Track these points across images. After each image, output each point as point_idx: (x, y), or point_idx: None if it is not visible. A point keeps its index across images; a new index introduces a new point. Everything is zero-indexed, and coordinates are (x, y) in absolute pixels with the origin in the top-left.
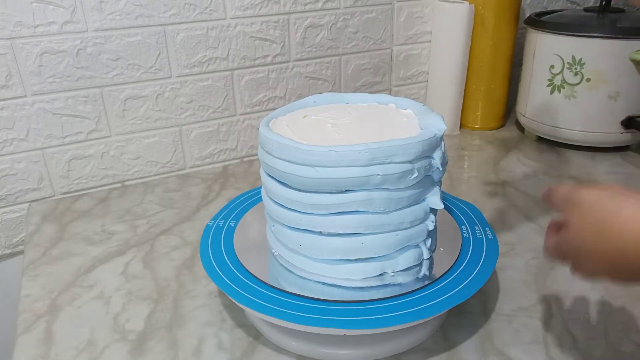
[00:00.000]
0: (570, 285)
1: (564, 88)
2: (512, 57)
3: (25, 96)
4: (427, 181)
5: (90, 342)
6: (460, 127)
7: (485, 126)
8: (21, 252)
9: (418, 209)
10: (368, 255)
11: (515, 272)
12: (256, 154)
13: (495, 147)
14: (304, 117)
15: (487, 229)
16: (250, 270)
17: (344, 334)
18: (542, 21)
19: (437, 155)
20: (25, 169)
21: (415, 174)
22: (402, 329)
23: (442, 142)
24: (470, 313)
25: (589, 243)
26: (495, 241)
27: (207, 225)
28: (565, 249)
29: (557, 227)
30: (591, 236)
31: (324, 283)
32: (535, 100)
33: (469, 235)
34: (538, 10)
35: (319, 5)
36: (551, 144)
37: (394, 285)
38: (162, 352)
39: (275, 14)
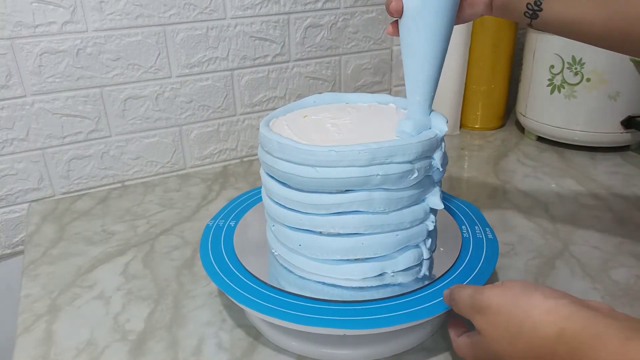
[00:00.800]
0: (570, 285)
1: (564, 88)
2: (512, 57)
3: (25, 96)
4: (427, 181)
5: (90, 342)
6: (460, 127)
7: (485, 126)
8: (21, 252)
9: (418, 209)
10: (368, 255)
11: (515, 272)
12: (256, 154)
13: (495, 147)
14: (304, 117)
15: (487, 229)
16: (250, 270)
17: (344, 334)
18: None
19: (437, 156)
20: (25, 169)
21: (416, 174)
22: (402, 329)
23: (443, 143)
24: None
25: (507, 349)
26: (495, 241)
27: (207, 225)
28: (481, 356)
29: (460, 326)
30: (507, 344)
31: (324, 283)
32: (535, 100)
33: (469, 235)
34: None
35: (319, 5)
36: (551, 144)
37: (394, 285)
38: (162, 352)
39: (275, 14)
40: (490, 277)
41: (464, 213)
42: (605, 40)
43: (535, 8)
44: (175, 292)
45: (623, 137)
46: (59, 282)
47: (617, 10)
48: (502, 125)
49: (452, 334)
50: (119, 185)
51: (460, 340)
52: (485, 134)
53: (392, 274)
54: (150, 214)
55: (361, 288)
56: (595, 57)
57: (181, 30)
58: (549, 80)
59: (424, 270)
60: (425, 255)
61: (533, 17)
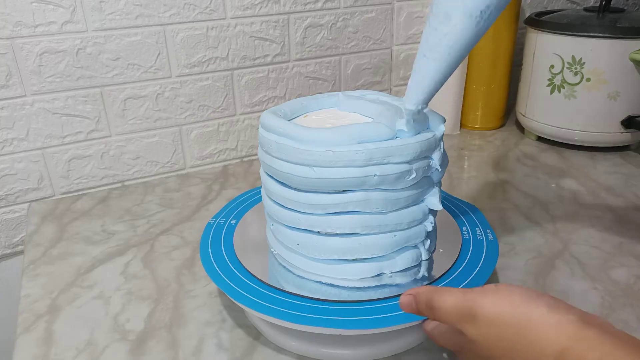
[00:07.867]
0: (570, 285)
1: (564, 88)
2: (512, 57)
3: (25, 96)
4: (425, 182)
5: (90, 342)
6: (460, 127)
7: (485, 126)
8: (21, 252)
9: (416, 210)
10: (365, 255)
11: (515, 272)
12: (256, 154)
13: (495, 147)
14: (305, 117)
15: (488, 230)
16: (250, 270)
17: (340, 334)
18: (542, 21)
19: (435, 156)
20: (25, 168)
21: (414, 175)
22: (400, 329)
23: (441, 143)
24: None
25: None
26: (495, 243)
27: (208, 223)
28: (470, 358)
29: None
30: (500, 356)
31: (321, 282)
32: (535, 100)
33: (470, 236)
34: (538, 10)
35: (319, 5)
36: (551, 144)
37: (392, 285)
38: (162, 352)
39: (275, 14)
40: (490, 278)
41: (465, 214)
42: None
43: None
44: (175, 292)
45: (623, 137)
46: (59, 282)
47: None
48: (502, 125)
49: (430, 328)
50: (119, 185)
51: (447, 337)
52: (485, 134)
53: (390, 274)
54: (150, 214)
55: (359, 288)
56: (595, 57)
57: (181, 30)
58: (549, 80)
59: (423, 271)
60: (424, 256)
61: None
